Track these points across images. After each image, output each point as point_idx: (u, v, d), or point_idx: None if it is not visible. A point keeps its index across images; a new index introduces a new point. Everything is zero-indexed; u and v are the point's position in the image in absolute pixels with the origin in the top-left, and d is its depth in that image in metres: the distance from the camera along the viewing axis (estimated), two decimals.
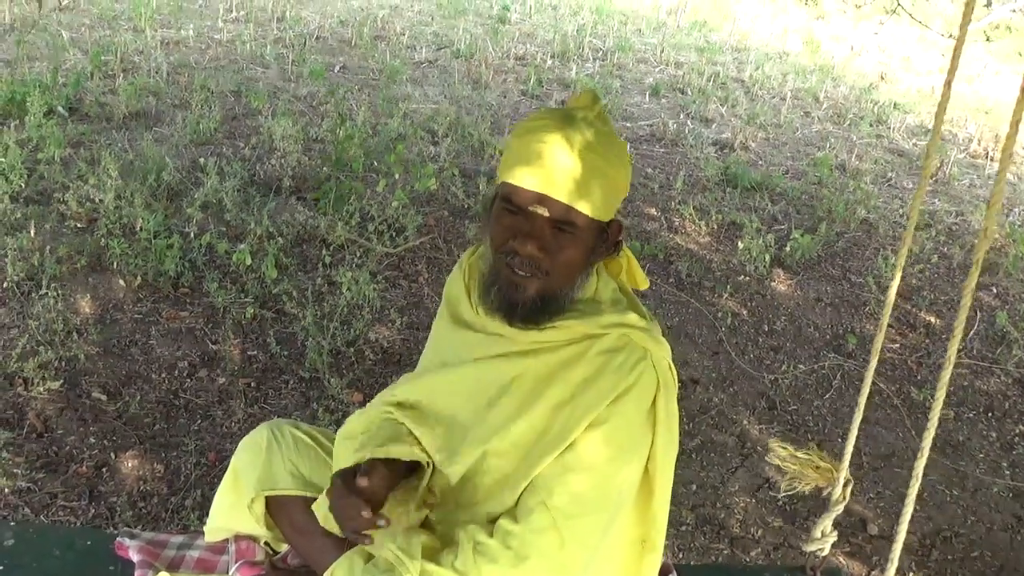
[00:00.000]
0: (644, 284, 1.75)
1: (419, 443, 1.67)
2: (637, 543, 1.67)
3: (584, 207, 1.49)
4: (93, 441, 3.15)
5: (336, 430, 3.31)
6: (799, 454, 2.17)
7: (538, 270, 1.51)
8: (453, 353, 1.69)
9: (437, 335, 1.79)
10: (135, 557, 2.01)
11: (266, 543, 2.00)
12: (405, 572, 1.48)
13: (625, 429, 1.54)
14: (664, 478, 1.62)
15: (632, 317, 1.59)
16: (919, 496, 3.47)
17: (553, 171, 1.47)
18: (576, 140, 1.49)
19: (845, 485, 2.15)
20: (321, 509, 1.67)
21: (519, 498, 1.55)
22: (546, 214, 1.49)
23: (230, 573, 2.00)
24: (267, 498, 1.85)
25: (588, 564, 1.54)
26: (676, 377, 1.63)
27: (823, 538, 2.22)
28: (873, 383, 4.14)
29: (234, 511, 1.92)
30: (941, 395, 1.76)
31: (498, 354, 1.62)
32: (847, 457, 2.14)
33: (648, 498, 1.63)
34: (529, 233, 1.50)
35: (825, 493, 2.17)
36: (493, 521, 1.58)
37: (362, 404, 3.43)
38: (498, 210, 1.54)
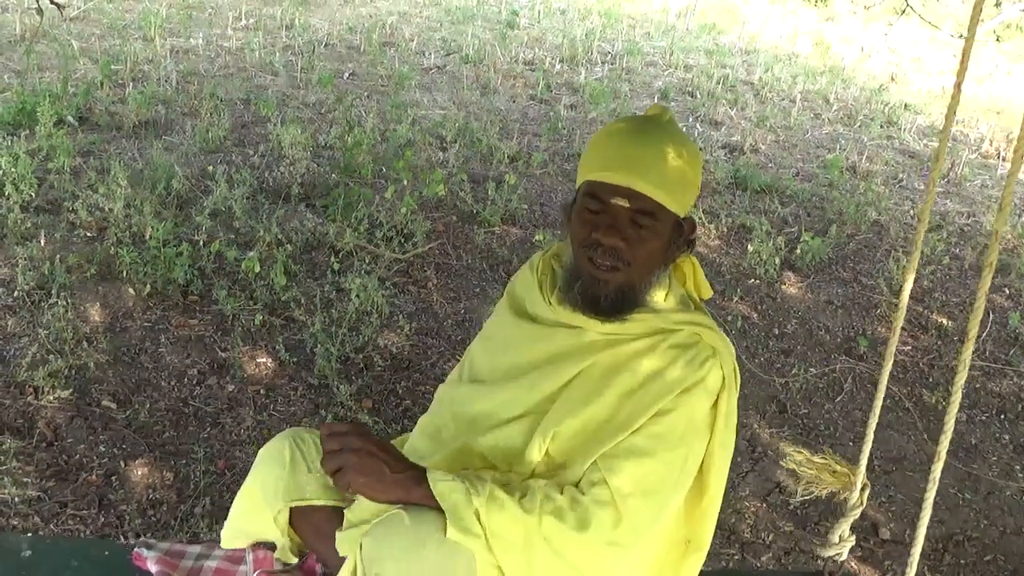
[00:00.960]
0: (708, 293, 1.79)
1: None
2: (681, 542, 1.70)
3: (662, 198, 1.55)
4: (103, 449, 3.15)
5: None
6: (815, 459, 2.17)
7: (620, 261, 1.57)
8: (515, 346, 1.73)
9: (495, 330, 1.82)
10: (153, 568, 2.01)
11: (277, 558, 1.98)
12: (472, 489, 1.48)
13: (688, 421, 1.59)
14: (718, 477, 1.66)
15: (702, 317, 1.66)
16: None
17: (634, 164, 1.55)
18: (654, 138, 1.58)
19: (862, 490, 2.14)
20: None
21: (584, 472, 1.58)
22: (627, 205, 1.55)
23: None
24: (293, 509, 1.83)
25: (637, 543, 1.57)
26: (739, 380, 1.67)
27: (841, 543, 2.21)
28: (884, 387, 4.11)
29: (253, 519, 1.90)
30: (956, 399, 1.75)
31: (569, 346, 1.66)
32: (864, 461, 2.13)
33: (699, 497, 1.67)
34: (612, 225, 1.57)
35: (842, 498, 2.16)
36: None
37: (371, 410, 3.45)
38: (580, 207, 1.62)
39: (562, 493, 1.55)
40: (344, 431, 1.50)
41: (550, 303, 1.70)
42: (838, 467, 2.16)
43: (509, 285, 1.85)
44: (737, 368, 1.66)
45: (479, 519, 1.47)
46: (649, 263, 1.60)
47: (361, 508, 1.71)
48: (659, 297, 1.67)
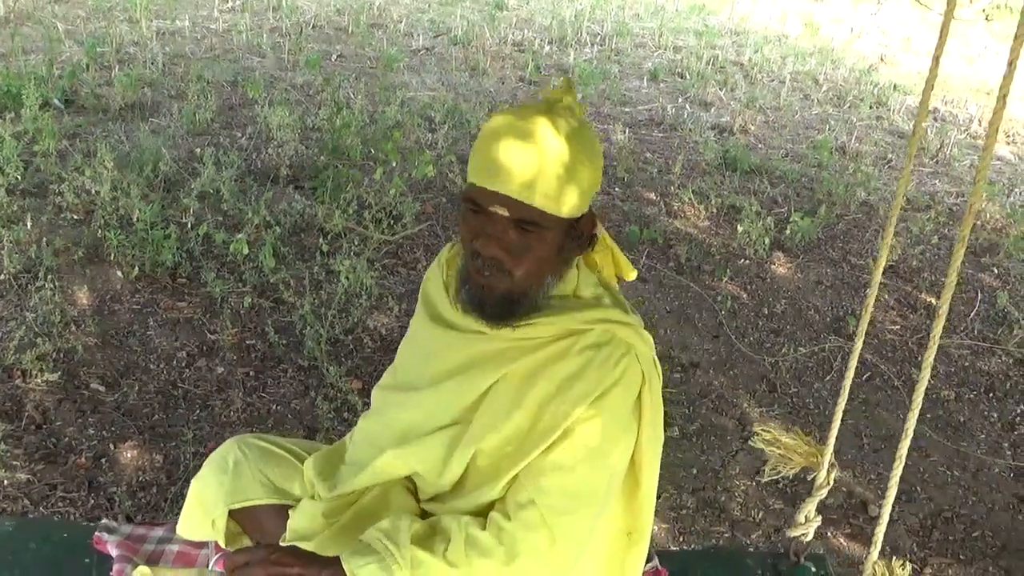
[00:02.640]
0: (631, 274, 1.71)
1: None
2: (623, 535, 1.67)
3: (546, 206, 1.44)
4: (92, 432, 3.15)
5: (335, 419, 3.31)
6: (784, 438, 2.15)
7: (501, 271, 1.49)
8: (435, 353, 1.67)
9: (416, 334, 1.76)
10: (114, 551, 2.00)
11: None
12: (393, 562, 1.45)
13: (611, 424, 1.53)
14: (650, 470, 1.63)
15: (615, 312, 1.58)
16: (920, 477, 3.47)
17: (511, 171, 1.43)
18: (540, 139, 1.43)
19: (829, 469, 2.12)
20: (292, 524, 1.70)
21: (508, 493, 1.55)
22: (506, 213, 1.45)
23: (210, 565, 1.99)
24: (238, 511, 1.83)
25: (577, 558, 1.55)
26: (660, 370, 1.62)
27: (807, 523, 2.19)
28: (873, 365, 4.15)
29: (195, 522, 1.91)
30: (926, 375, 1.75)
31: (481, 353, 1.60)
32: (832, 441, 2.11)
33: (634, 490, 1.64)
34: (491, 234, 1.47)
35: (810, 478, 2.16)
36: (479, 511, 1.58)
37: (362, 391, 3.45)
38: (463, 211, 1.52)
39: (487, 527, 1.52)
40: (245, 561, 1.44)
41: (456, 309, 1.62)
42: (806, 446, 2.15)
43: (423, 283, 1.77)
44: (656, 360, 1.60)
45: None
46: (536, 270, 1.50)
47: (301, 514, 1.72)
48: (568, 290, 1.60)
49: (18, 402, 3.21)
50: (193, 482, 1.90)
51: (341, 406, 3.39)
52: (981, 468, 3.58)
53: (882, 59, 9.84)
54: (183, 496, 2.87)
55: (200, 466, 3.00)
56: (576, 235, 1.54)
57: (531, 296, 1.53)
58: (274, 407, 3.39)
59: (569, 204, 1.47)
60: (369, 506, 1.69)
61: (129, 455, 3.08)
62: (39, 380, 3.29)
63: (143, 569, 1.92)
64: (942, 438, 3.70)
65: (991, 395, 4.06)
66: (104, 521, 2.09)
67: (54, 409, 3.21)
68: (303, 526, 1.69)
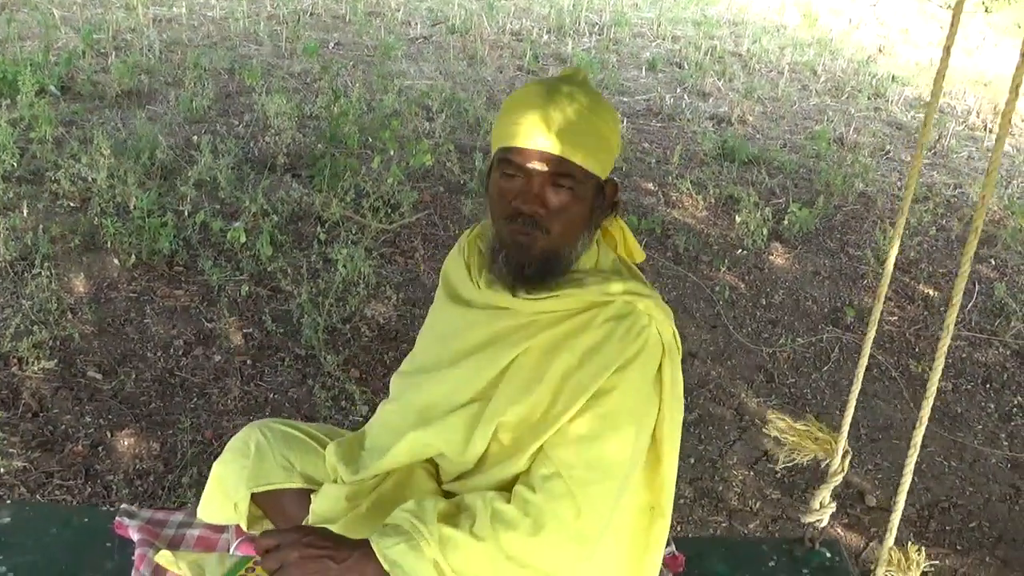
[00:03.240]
0: (640, 256, 1.75)
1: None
2: (646, 510, 1.68)
3: (579, 158, 1.51)
4: (89, 420, 3.14)
5: (333, 408, 3.30)
6: (797, 425, 2.16)
7: (539, 228, 1.52)
8: (454, 333, 1.68)
9: (436, 318, 1.79)
10: (135, 536, 2.00)
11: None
12: (422, 539, 1.47)
13: (632, 396, 1.55)
14: (671, 444, 1.64)
15: (635, 284, 1.61)
16: (917, 468, 3.47)
17: (545, 127, 1.50)
18: (564, 100, 1.52)
19: (843, 456, 2.14)
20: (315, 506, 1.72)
21: (532, 466, 1.56)
22: (544, 168, 1.51)
23: (231, 550, 2.00)
24: (260, 494, 1.84)
25: (603, 530, 1.55)
26: (679, 343, 1.64)
27: (821, 509, 2.21)
28: (871, 355, 4.14)
29: (217, 506, 1.91)
30: (939, 364, 1.74)
31: (503, 329, 1.62)
32: (845, 428, 2.13)
33: (656, 464, 1.65)
34: (529, 191, 1.52)
35: (824, 465, 2.17)
36: (503, 486, 1.59)
37: (359, 380, 3.45)
38: (496, 176, 1.56)
39: (512, 500, 1.53)
40: (275, 544, 1.46)
41: (479, 286, 1.66)
42: (820, 434, 2.16)
43: (443, 269, 1.81)
44: (677, 332, 1.62)
45: (439, 568, 1.46)
46: (572, 228, 1.55)
47: (325, 497, 1.73)
48: (588, 264, 1.63)
49: (14, 390, 3.20)
50: (215, 466, 1.90)
51: (339, 395, 3.38)
52: (978, 459, 3.58)
53: (880, 50, 9.82)
54: (180, 484, 2.88)
55: (197, 455, 3.02)
56: (603, 198, 1.60)
57: (566, 256, 1.58)
58: (271, 395, 3.38)
59: (599, 162, 1.55)
60: (391, 489, 1.71)
61: (126, 443, 3.07)
62: (35, 368, 3.28)
63: (165, 553, 1.93)
64: (939, 429, 3.70)
65: (988, 386, 4.06)
66: (124, 506, 2.10)
67: (51, 397, 3.20)
68: (326, 509, 1.70)
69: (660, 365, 1.58)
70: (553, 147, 1.49)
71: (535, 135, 1.50)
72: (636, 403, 1.56)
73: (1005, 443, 3.69)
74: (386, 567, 1.44)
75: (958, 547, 3.14)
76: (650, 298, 1.60)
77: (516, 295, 1.60)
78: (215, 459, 1.92)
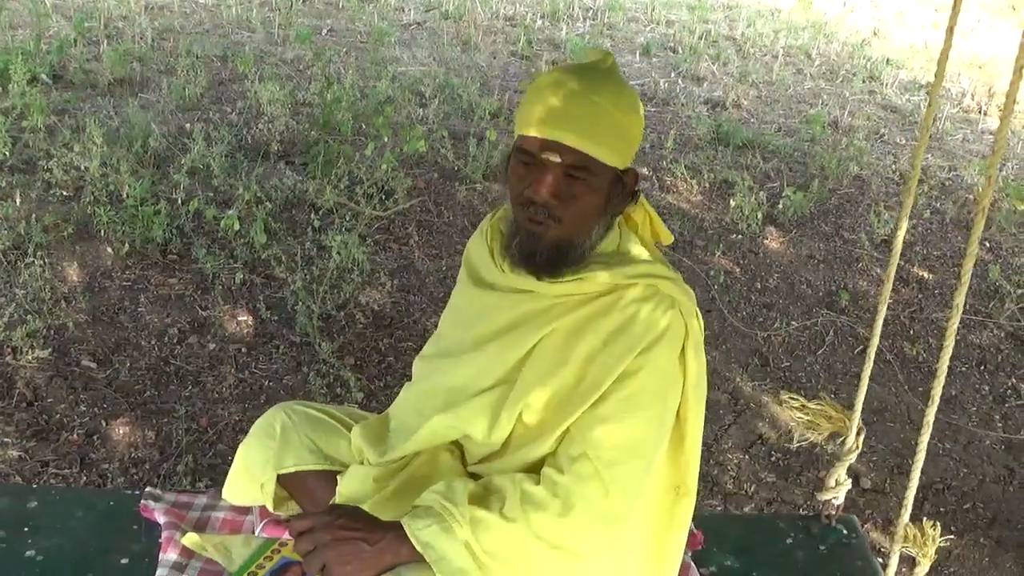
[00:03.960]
0: (668, 239, 1.76)
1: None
2: (671, 489, 1.69)
3: (597, 152, 1.51)
4: (83, 409, 3.14)
5: (328, 395, 3.31)
6: (811, 404, 2.20)
7: (552, 218, 1.53)
8: (478, 316, 1.70)
9: (459, 301, 1.80)
10: (161, 519, 2.03)
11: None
12: (453, 521, 1.48)
13: (657, 377, 1.56)
14: (695, 423, 1.65)
15: (657, 267, 1.62)
16: (912, 450, 3.48)
17: (564, 118, 1.50)
18: (587, 89, 1.52)
19: (858, 433, 2.18)
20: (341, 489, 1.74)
21: (559, 448, 1.57)
22: (558, 160, 1.51)
23: (256, 531, 2.01)
24: (285, 476, 1.85)
25: (631, 510, 1.57)
26: (702, 324, 1.65)
27: (837, 486, 2.26)
28: (865, 338, 4.14)
29: (243, 488, 1.93)
30: (950, 344, 1.78)
31: (526, 312, 1.63)
32: (859, 405, 2.19)
33: (680, 444, 1.66)
34: (542, 180, 1.52)
35: (839, 442, 2.21)
36: (529, 468, 1.60)
37: (355, 367, 3.44)
38: (514, 163, 1.57)
39: (540, 481, 1.54)
40: (310, 526, 1.48)
41: (502, 270, 1.66)
42: (834, 412, 2.20)
43: (465, 252, 1.82)
44: (699, 314, 1.63)
45: (471, 550, 1.47)
46: (585, 218, 1.56)
47: (351, 479, 1.74)
48: (611, 248, 1.64)
49: (9, 379, 3.20)
50: (240, 448, 1.91)
51: (333, 382, 3.38)
52: (972, 440, 3.59)
53: (875, 33, 9.80)
54: (176, 472, 2.89)
55: (192, 443, 3.02)
56: (621, 188, 1.60)
57: (579, 246, 1.57)
58: (266, 383, 3.38)
59: (617, 153, 1.54)
60: (418, 471, 1.72)
61: (121, 431, 3.07)
62: (30, 357, 3.28)
63: (192, 536, 1.94)
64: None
65: (983, 368, 4.07)
66: (149, 489, 2.12)
67: (45, 386, 3.20)
68: (354, 491, 1.71)
69: (684, 346, 1.59)
70: (569, 138, 1.49)
71: (551, 125, 1.50)
72: (661, 384, 1.57)
73: (999, 425, 3.70)
74: (419, 548, 1.46)
75: (952, 528, 3.15)
76: (673, 280, 1.61)
77: (540, 278, 1.60)
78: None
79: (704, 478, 3.22)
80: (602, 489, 1.51)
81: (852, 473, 3.31)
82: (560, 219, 1.53)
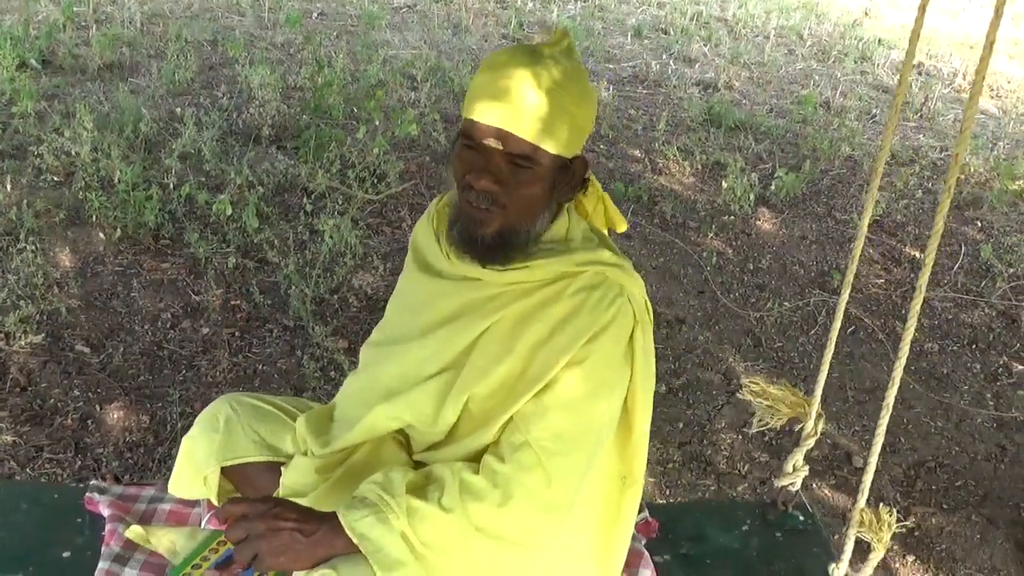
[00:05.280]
0: (622, 226, 1.73)
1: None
2: (618, 479, 1.68)
3: (545, 143, 1.47)
4: (77, 394, 3.14)
5: (322, 379, 3.30)
6: (772, 389, 2.17)
7: (495, 204, 1.49)
8: (424, 303, 1.67)
9: (405, 287, 1.77)
10: (105, 512, 1.99)
11: None
12: (389, 512, 1.46)
13: (604, 366, 1.54)
14: (643, 413, 1.63)
15: (606, 254, 1.59)
16: (904, 428, 3.50)
17: (513, 106, 1.45)
18: (538, 75, 1.47)
19: (816, 419, 2.15)
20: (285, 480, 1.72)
21: (502, 436, 1.55)
22: (500, 147, 1.47)
23: (203, 524, 2.00)
24: (230, 468, 1.83)
25: (573, 500, 1.55)
26: (651, 312, 1.63)
27: (794, 472, 2.23)
28: (857, 318, 4.17)
29: (186, 481, 1.91)
30: (912, 324, 1.76)
31: (473, 300, 1.60)
32: (819, 391, 2.15)
33: (628, 433, 1.64)
34: (485, 168, 1.48)
35: (798, 428, 2.18)
36: (474, 456, 1.58)
37: (348, 350, 3.45)
38: (459, 147, 1.53)
39: (480, 471, 1.52)
40: (244, 512, 1.45)
41: (449, 256, 1.63)
42: (793, 397, 2.17)
43: (412, 237, 1.78)
44: (648, 302, 1.61)
45: (408, 540, 1.46)
46: (529, 207, 1.52)
47: (294, 470, 1.73)
48: (559, 235, 1.61)
49: (2, 365, 3.19)
50: (184, 440, 1.89)
51: (327, 365, 3.39)
52: (964, 419, 3.61)
53: (866, 13, 9.79)
54: (171, 456, 2.88)
55: (188, 426, 3.00)
56: (568, 176, 1.56)
57: (522, 234, 1.54)
58: (260, 367, 3.38)
59: (562, 141, 1.49)
60: (361, 461, 1.70)
61: (115, 416, 3.07)
62: (23, 342, 3.27)
63: (136, 528, 1.93)
64: (926, 390, 3.73)
65: (974, 347, 4.09)
66: (94, 482, 2.09)
67: (39, 371, 3.20)
68: (296, 482, 1.70)
69: (632, 335, 1.57)
70: (511, 125, 1.45)
71: (494, 111, 1.46)
72: (608, 373, 1.55)
73: (991, 403, 3.72)
74: (354, 540, 1.43)
75: (944, 506, 3.17)
76: (621, 268, 1.59)
77: (484, 265, 1.57)
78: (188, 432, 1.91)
79: (697, 458, 3.24)
80: (544, 479, 1.50)
81: (844, 452, 3.34)
82: (504, 206, 1.50)
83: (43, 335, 3.33)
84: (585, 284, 1.56)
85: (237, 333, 3.54)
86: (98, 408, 3.09)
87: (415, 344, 1.64)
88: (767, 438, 3.35)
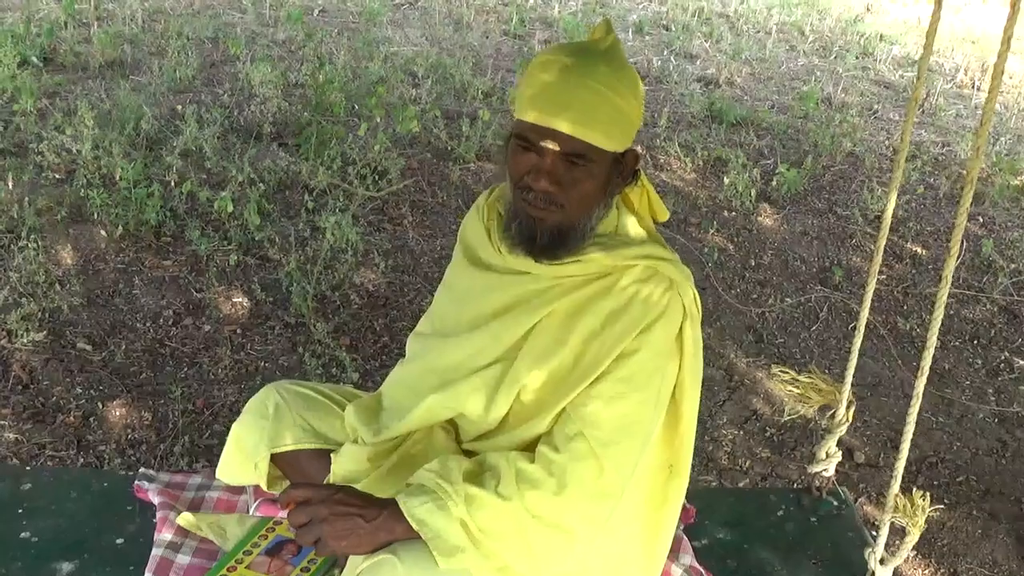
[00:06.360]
0: (664, 215, 1.76)
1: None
2: (664, 468, 1.71)
3: (594, 139, 1.49)
4: (80, 391, 3.14)
5: (323, 376, 3.31)
6: (801, 378, 2.21)
7: (553, 204, 1.53)
8: (475, 296, 1.69)
9: (454, 280, 1.79)
10: (155, 499, 2.04)
11: None
12: (448, 499, 1.48)
13: (654, 357, 1.57)
14: (691, 404, 1.67)
15: (657, 248, 1.62)
16: (904, 423, 3.50)
17: (561, 105, 1.48)
18: (584, 73, 1.49)
19: (848, 406, 2.20)
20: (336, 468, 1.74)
21: (555, 427, 1.58)
22: (556, 148, 1.49)
23: (251, 511, 2.02)
24: (279, 455, 1.86)
25: (624, 488, 1.58)
26: (700, 305, 1.65)
27: (827, 459, 2.29)
28: (859, 313, 4.16)
29: (236, 467, 1.93)
30: (939, 315, 1.79)
31: (525, 293, 1.63)
32: (849, 378, 2.20)
33: (675, 424, 1.67)
34: (541, 168, 1.51)
35: (828, 415, 2.23)
36: (523, 446, 1.61)
37: (350, 347, 3.45)
38: (513, 147, 1.56)
39: (536, 460, 1.54)
40: (307, 497, 1.48)
41: (500, 251, 1.66)
42: (824, 385, 2.21)
43: (460, 230, 1.81)
44: (697, 295, 1.64)
45: (466, 527, 1.48)
46: (586, 203, 1.55)
47: (345, 458, 1.74)
48: (609, 229, 1.64)
49: (4, 362, 3.20)
50: (233, 427, 1.92)
51: (329, 362, 3.39)
52: (966, 414, 3.61)
53: (868, 8, 9.78)
54: (173, 453, 2.90)
55: (189, 424, 3.03)
56: (621, 169, 1.59)
57: (580, 229, 1.57)
58: (262, 364, 3.39)
59: (617, 138, 1.53)
60: (413, 450, 1.73)
61: (117, 413, 3.08)
62: (25, 340, 3.28)
63: (187, 516, 1.95)
64: (928, 385, 3.71)
65: (976, 342, 4.09)
66: (143, 470, 2.12)
67: (41, 369, 3.20)
68: (348, 470, 1.72)
69: (681, 327, 1.60)
70: (566, 126, 1.47)
71: (547, 112, 1.48)
72: (657, 365, 1.58)
73: (992, 398, 3.72)
74: (414, 526, 1.46)
75: (946, 501, 3.17)
76: (671, 261, 1.61)
77: (538, 260, 1.60)
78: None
79: (699, 454, 3.24)
80: (597, 468, 1.52)
81: (845, 447, 3.34)
82: (562, 205, 1.53)
83: (45, 332, 3.33)
84: (636, 278, 1.59)
85: (239, 330, 3.54)
86: (100, 405, 3.09)
87: (466, 336, 1.67)
88: (768, 433, 3.35)
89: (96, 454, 2.90)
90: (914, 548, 2.93)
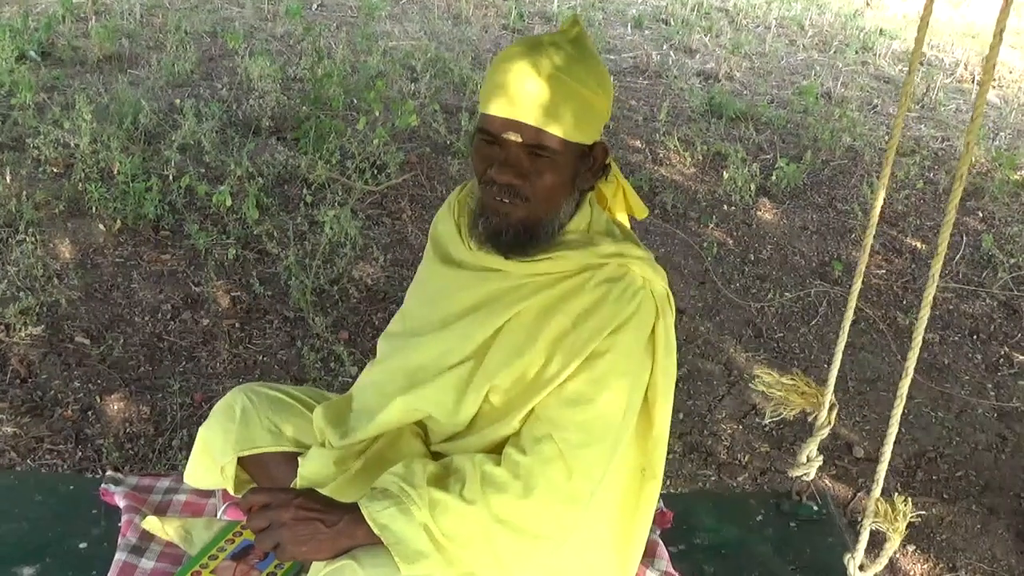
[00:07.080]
0: (642, 213, 1.73)
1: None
2: (638, 471, 1.67)
3: (555, 129, 1.46)
4: (78, 385, 3.14)
5: (322, 370, 3.30)
6: (784, 380, 2.17)
7: (518, 197, 1.49)
8: (445, 294, 1.66)
9: (425, 277, 1.76)
10: (121, 503, 2.00)
11: None
12: (411, 503, 1.45)
13: (626, 358, 1.54)
14: (664, 406, 1.63)
15: (629, 246, 1.59)
16: (904, 419, 3.49)
17: (520, 96, 1.45)
18: (543, 64, 1.46)
19: (830, 409, 2.15)
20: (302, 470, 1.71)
21: (523, 428, 1.55)
22: (518, 139, 1.47)
23: (218, 515, 1.99)
24: (247, 458, 1.83)
25: (593, 492, 1.54)
26: (673, 305, 1.62)
27: (808, 463, 2.23)
28: (859, 308, 4.16)
29: (203, 471, 1.90)
30: (925, 314, 1.76)
31: (495, 291, 1.60)
32: (832, 382, 2.15)
33: (648, 426, 1.64)
34: (504, 161, 1.49)
35: (811, 418, 2.18)
36: (493, 447, 1.58)
37: (348, 341, 3.44)
38: (476, 142, 1.53)
39: (502, 462, 1.51)
40: (266, 502, 1.45)
41: (470, 247, 1.63)
42: (806, 388, 2.17)
43: (432, 228, 1.78)
44: (670, 293, 1.61)
45: (430, 532, 1.45)
46: (551, 196, 1.52)
47: (312, 461, 1.71)
48: (581, 226, 1.60)
49: (2, 356, 3.19)
50: (200, 430, 1.89)
51: (327, 356, 3.39)
52: (965, 409, 3.61)
53: (868, 3, 9.76)
54: (172, 447, 2.89)
55: (188, 417, 3.02)
56: (589, 163, 1.56)
57: (547, 224, 1.55)
58: (260, 358, 3.38)
59: (581, 129, 1.49)
60: (380, 453, 1.70)
61: (115, 407, 3.07)
62: (23, 334, 3.27)
63: (152, 520, 1.93)
64: (927, 380, 3.73)
65: (975, 337, 4.08)
66: (109, 473, 2.09)
67: (39, 362, 3.20)
68: (314, 473, 1.69)
69: (654, 328, 1.56)
70: (528, 117, 1.45)
71: (510, 104, 1.46)
72: (629, 366, 1.54)
73: (992, 393, 3.72)
74: (376, 531, 1.43)
75: (945, 496, 3.17)
76: (644, 260, 1.58)
77: (508, 257, 1.57)
78: (205, 421, 1.91)
79: (698, 449, 3.24)
80: (565, 471, 1.49)
81: (844, 442, 3.34)
82: (527, 198, 1.50)
83: (43, 326, 3.33)
84: (608, 276, 1.55)
85: (237, 324, 3.54)
86: (98, 399, 3.09)
87: (435, 335, 1.64)
88: (767, 428, 3.35)
89: (94, 448, 2.90)
90: (913, 543, 2.94)
